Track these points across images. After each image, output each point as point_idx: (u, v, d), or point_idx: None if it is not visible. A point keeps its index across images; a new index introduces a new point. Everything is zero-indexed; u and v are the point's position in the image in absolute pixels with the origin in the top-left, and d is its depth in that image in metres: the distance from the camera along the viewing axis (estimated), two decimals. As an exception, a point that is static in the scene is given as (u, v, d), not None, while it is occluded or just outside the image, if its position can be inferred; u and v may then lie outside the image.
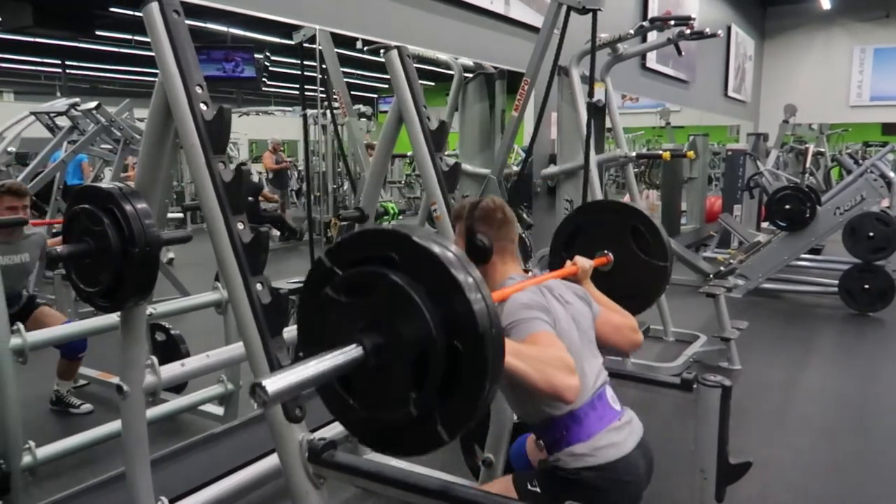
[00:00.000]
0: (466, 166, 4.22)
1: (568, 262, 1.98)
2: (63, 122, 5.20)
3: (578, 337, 1.65)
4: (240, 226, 1.51)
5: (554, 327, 1.54)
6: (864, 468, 3.00)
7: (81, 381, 3.56)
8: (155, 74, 1.57)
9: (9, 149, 4.84)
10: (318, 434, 1.57)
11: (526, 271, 1.80)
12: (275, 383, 0.94)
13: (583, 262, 1.96)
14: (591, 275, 2.00)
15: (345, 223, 3.90)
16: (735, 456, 1.93)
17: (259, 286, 1.51)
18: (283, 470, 1.51)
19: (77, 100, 5.12)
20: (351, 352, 1.04)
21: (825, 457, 3.12)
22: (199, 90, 1.52)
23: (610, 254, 2.19)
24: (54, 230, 4.40)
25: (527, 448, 1.96)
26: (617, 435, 1.61)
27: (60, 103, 5.31)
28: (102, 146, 5.42)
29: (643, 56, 6.70)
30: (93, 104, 4.88)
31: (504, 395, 1.72)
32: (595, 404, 1.62)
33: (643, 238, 2.18)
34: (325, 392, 1.17)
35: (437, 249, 1.05)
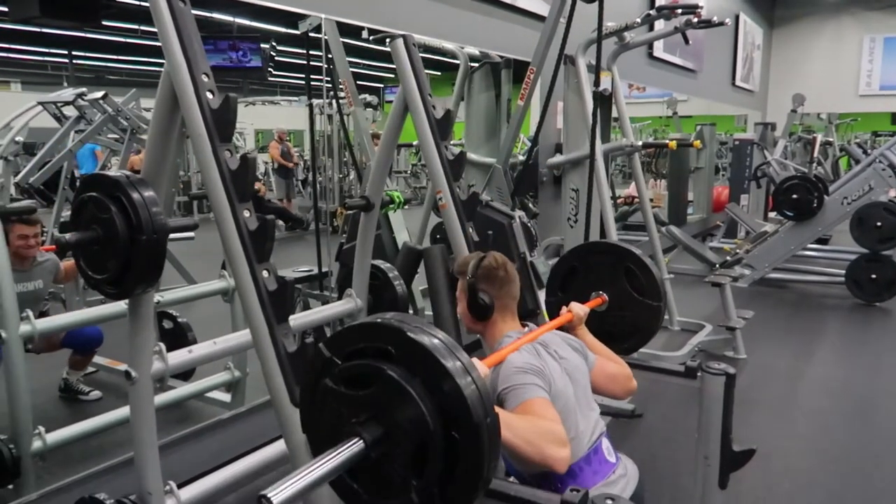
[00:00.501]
0: (472, 156, 4.22)
1: (564, 309, 2.00)
2: (70, 111, 5.21)
3: (574, 392, 1.66)
4: (246, 213, 1.52)
5: (549, 391, 1.55)
6: (868, 457, 3.01)
7: (90, 369, 3.59)
8: (161, 64, 1.58)
9: (16, 138, 4.85)
10: (323, 420, 1.59)
11: (524, 326, 1.81)
12: (280, 494, 0.97)
13: (577, 310, 1.99)
14: (590, 317, 2.03)
15: (350, 212, 3.91)
16: (739, 444, 1.94)
17: (265, 273, 1.53)
18: (289, 455, 1.53)
19: (84, 90, 5.12)
20: (352, 447, 1.07)
21: (829, 445, 3.13)
22: (205, 79, 1.53)
23: (605, 294, 2.24)
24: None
25: None
26: (611, 489, 1.62)
27: (67, 93, 5.31)
28: (109, 136, 5.43)
29: (650, 45, 6.65)
30: (99, 94, 4.89)
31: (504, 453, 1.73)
32: (590, 458, 1.63)
33: (636, 278, 2.23)
34: (335, 481, 1.18)
35: (427, 341, 1.08)
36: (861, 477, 2.83)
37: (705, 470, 1.97)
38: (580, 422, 1.64)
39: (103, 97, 4.79)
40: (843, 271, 5.80)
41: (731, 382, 1.93)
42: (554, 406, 1.52)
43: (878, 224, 5.50)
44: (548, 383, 1.58)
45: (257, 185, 8.63)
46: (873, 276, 5.61)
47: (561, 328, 1.91)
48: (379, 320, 1.14)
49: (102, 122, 4.96)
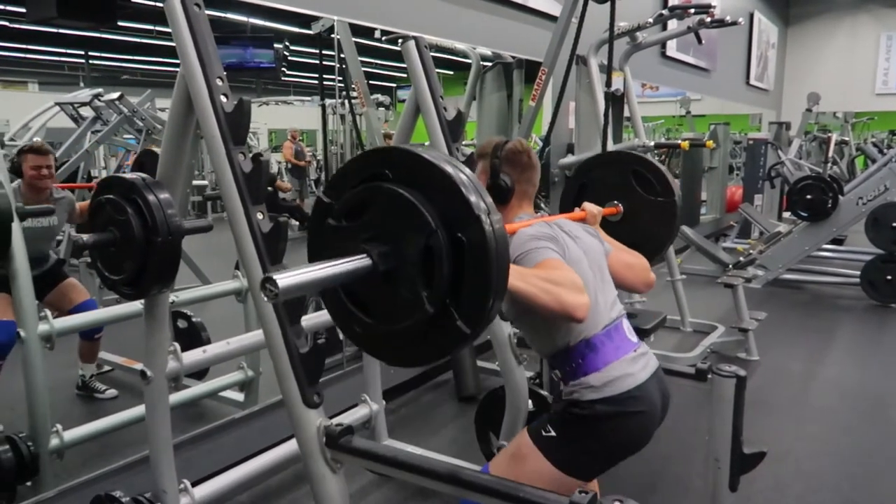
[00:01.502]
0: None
1: (576, 211, 1.98)
2: (87, 112, 5.28)
3: (589, 266, 1.65)
4: (259, 216, 1.54)
5: (563, 256, 1.54)
6: (881, 460, 2.99)
7: (106, 368, 3.64)
8: (176, 65, 1.60)
9: (35, 139, 4.93)
10: (335, 420, 1.60)
11: (537, 211, 1.80)
12: (285, 279, 0.97)
13: (591, 207, 1.96)
14: (606, 227, 1.99)
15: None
16: (751, 446, 1.94)
17: (278, 275, 1.54)
18: (301, 455, 1.55)
19: (100, 90, 5.19)
20: (359, 261, 1.08)
21: (842, 448, 3.11)
22: (219, 82, 1.55)
23: (619, 204, 2.22)
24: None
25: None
26: (632, 366, 1.61)
27: (84, 94, 5.39)
28: (125, 136, 5.50)
29: (663, 44, 6.63)
30: (115, 95, 4.96)
31: (521, 330, 1.72)
32: (611, 334, 1.62)
33: (646, 180, 2.21)
34: (342, 320, 1.20)
35: (424, 154, 1.09)
36: (873, 479, 2.81)
37: (716, 472, 1.97)
38: (598, 294, 1.63)
39: (119, 98, 4.86)
40: (858, 272, 5.75)
41: (742, 385, 1.93)
42: None
43: (894, 225, 5.45)
44: (562, 249, 1.58)
45: (279, 183, 8.69)
46: (889, 277, 5.56)
47: None
48: (369, 150, 1.17)
49: (118, 123, 5.02)
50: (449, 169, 1.08)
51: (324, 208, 1.19)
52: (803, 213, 5.92)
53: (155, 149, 5.15)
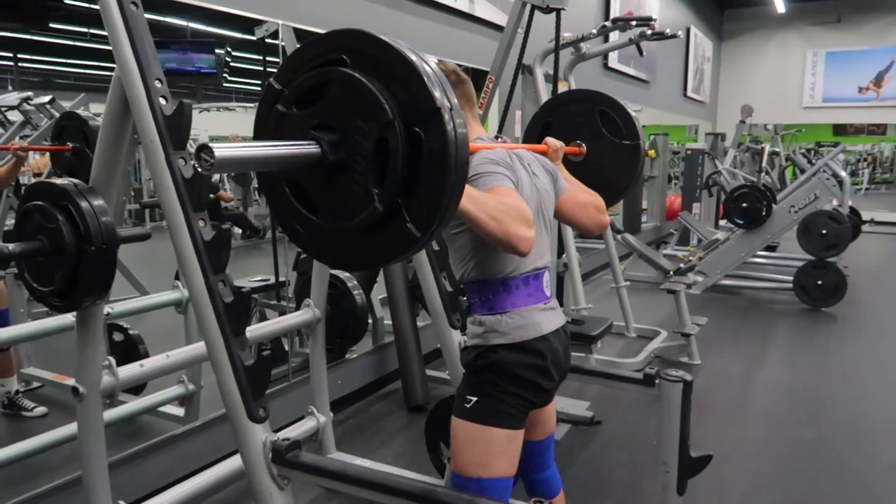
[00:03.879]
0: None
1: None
2: (15, 116, 5.03)
3: (536, 208, 1.63)
4: (201, 223, 1.48)
5: (516, 188, 1.52)
6: (818, 457, 3.09)
7: (35, 384, 3.46)
8: (112, 69, 1.53)
9: (-44, 144, 4.66)
10: (281, 434, 1.55)
11: (497, 136, 1.76)
12: (223, 149, 0.91)
13: (553, 142, 1.91)
14: (566, 167, 1.96)
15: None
16: (696, 449, 1.97)
17: (221, 285, 1.49)
18: (246, 471, 1.49)
19: (30, 94, 4.95)
20: (307, 147, 1.01)
21: (781, 447, 3.20)
22: (157, 84, 1.48)
23: (583, 144, 2.18)
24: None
25: None
26: (539, 315, 1.62)
27: (12, 97, 5.13)
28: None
29: (605, 56, 6.78)
30: (46, 98, 4.73)
31: (450, 247, 1.69)
32: (529, 280, 1.62)
33: (612, 121, 2.17)
34: (283, 217, 1.14)
35: (387, 39, 1.02)
36: (814, 477, 2.91)
37: (664, 477, 1.99)
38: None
39: (50, 102, 4.64)
40: (791, 278, 5.98)
41: (689, 389, 1.96)
42: None
43: (824, 232, 5.69)
44: (517, 181, 1.55)
45: (221, 193, 8.43)
46: (819, 282, 5.80)
47: None
48: (330, 31, 1.08)
49: (49, 129, 4.79)
50: (413, 57, 1.00)
51: (273, 94, 1.10)
52: (739, 221, 6.12)
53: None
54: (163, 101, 1.48)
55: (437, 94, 0.99)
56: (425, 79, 0.99)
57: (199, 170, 0.91)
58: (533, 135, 2.29)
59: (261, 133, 1.16)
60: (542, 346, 1.60)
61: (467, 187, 1.17)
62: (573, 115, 2.23)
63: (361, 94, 1.00)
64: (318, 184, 1.07)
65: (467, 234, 1.57)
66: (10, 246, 1.52)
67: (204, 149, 0.90)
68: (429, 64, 1.02)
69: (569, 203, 1.79)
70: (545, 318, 1.63)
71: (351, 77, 1.02)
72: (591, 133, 2.17)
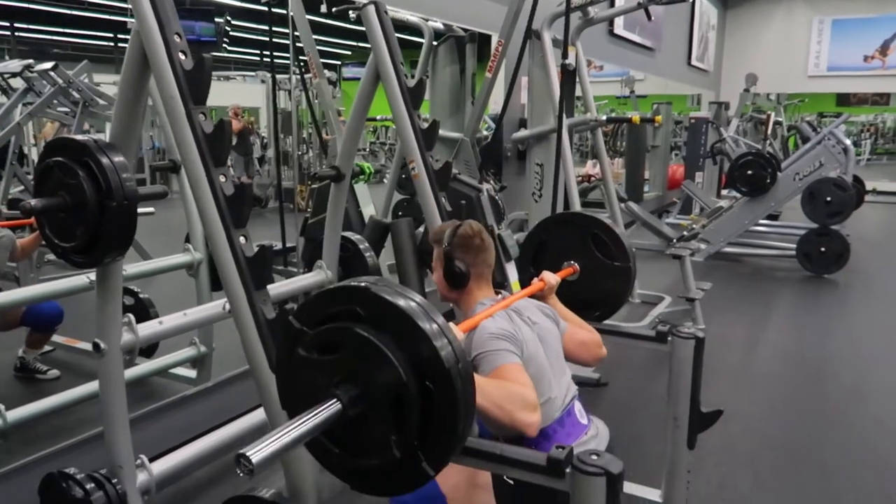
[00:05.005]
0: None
1: (535, 280, 2.01)
2: (18, 83, 4.99)
3: (546, 355, 1.69)
4: (222, 179, 1.49)
5: (521, 355, 1.58)
6: (822, 417, 3.15)
7: (47, 348, 3.49)
8: (107, 38, 1.53)
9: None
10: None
11: (497, 293, 1.83)
12: (258, 454, 0.96)
13: (549, 278, 2.00)
14: (563, 286, 2.05)
15: (317, 185, 3.86)
16: (703, 407, 2.01)
17: (243, 239, 1.50)
18: (268, 422, 1.52)
19: (31, 61, 4.92)
20: (330, 408, 1.07)
21: (785, 407, 3.26)
22: (177, 39, 1.48)
23: (576, 264, 2.27)
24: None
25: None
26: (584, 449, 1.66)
27: (14, 64, 5.09)
28: (59, 109, 5.23)
29: (611, 22, 6.71)
30: (49, 65, 4.70)
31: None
32: (564, 421, 1.66)
33: (604, 244, 2.27)
34: (313, 445, 1.19)
35: (399, 301, 1.08)
36: (814, 436, 2.96)
37: (674, 431, 2.03)
38: (553, 385, 1.67)
39: (53, 68, 4.61)
40: (794, 245, 6.00)
41: (701, 346, 1.99)
42: (527, 371, 1.54)
43: (829, 199, 5.70)
44: (520, 348, 1.61)
45: None
46: (822, 249, 5.82)
47: (533, 297, 1.93)
48: (344, 284, 1.14)
49: (52, 95, 4.77)
50: (426, 326, 1.07)
51: (294, 334, 1.17)
52: (743, 189, 6.12)
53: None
54: (182, 56, 1.48)
55: (444, 353, 1.05)
56: (433, 341, 1.05)
57: (241, 474, 0.96)
58: (528, 255, 2.41)
59: (285, 373, 1.21)
60: None
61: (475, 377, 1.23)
62: (567, 237, 2.33)
63: (375, 354, 1.07)
64: (342, 426, 1.13)
65: None
66: (33, 201, 1.52)
67: (243, 457, 0.95)
68: (436, 322, 1.07)
69: (570, 343, 1.85)
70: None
71: (364, 339, 1.07)
72: (584, 253, 2.28)
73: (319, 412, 1.06)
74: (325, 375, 1.12)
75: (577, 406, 1.74)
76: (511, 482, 1.62)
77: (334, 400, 1.08)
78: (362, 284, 1.11)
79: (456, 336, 1.11)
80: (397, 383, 1.05)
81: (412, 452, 1.09)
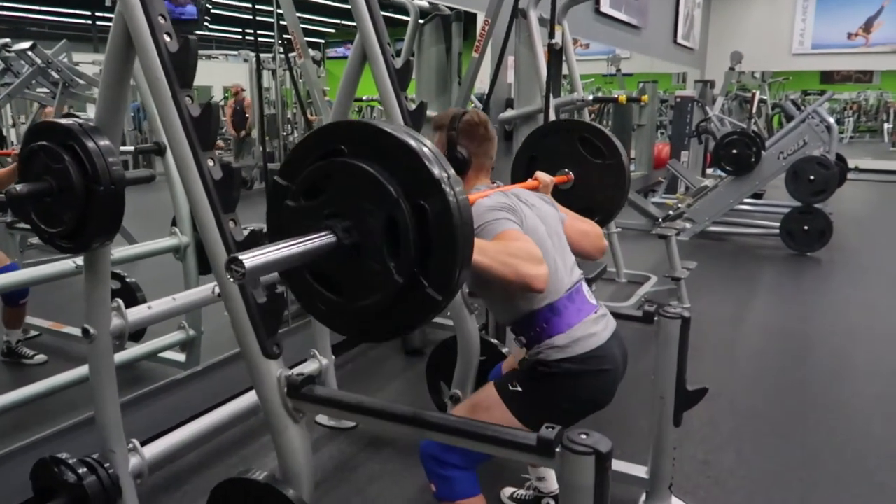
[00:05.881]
0: (424, 110, 4.17)
1: (529, 181, 2.01)
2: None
3: (547, 233, 1.68)
4: (210, 162, 1.48)
5: (521, 226, 1.57)
6: (805, 392, 3.20)
7: (33, 333, 3.47)
8: (88, 17, 1.50)
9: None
10: (294, 371, 1.58)
11: (493, 182, 1.82)
12: (251, 259, 0.96)
13: (543, 177, 1.99)
14: (558, 196, 2.03)
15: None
16: (689, 385, 2.04)
17: (231, 224, 1.49)
18: (261, 406, 1.52)
19: (7, 40, 4.82)
20: (323, 237, 1.07)
21: (769, 384, 3.31)
22: (161, 20, 1.46)
23: (570, 171, 2.26)
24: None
25: (503, 369, 2.00)
26: (594, 326, 1.66)
27: (-10, 44, 4.98)
28: (39, 90, 5.14)
29: (597, 0, 6.67)
30: (27, 45, 4.60)
31: (485, 302, 1.74)
32: (573, 297, 1.66)
33: (592, 145, 2.27)
34: (306, 299, 1.19)
35: (382, 126, 1.09)
36: (799, 411, 3.01)
37: (661, 409, 2.06)
38: (557, 261, 1.66)
39: (32, 48, 4.52)
40: (777, 224, 6.05)
41: (687, 325, 2.02)
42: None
43: (812, 178, 5.75)
44: (520, 219, 1.60)
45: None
46: (805, 227, 5.88)
47: None
48: (322, 126, 1.16)
49: (31, 75, 4.68)
50: (408, 140, 1.08)
51: (280, 191, 1.17)
52: (728, 168, 6.15)
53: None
54: (167, 38, 1.46)
55: (434, 170, 1.06)
56: (422, 158, 1.06)
57: (232, 280, 0.96)
58: (520, 170, 2.38)
59: (275, 229, 1.22)
60: (604, 356, 1.62)
61: (475, 240, 1.22)
62: (556, 146, 2.32)
63: (364, 179, 1.08)
64: (338, 267, 1.14)
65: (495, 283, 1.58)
66: (18, 186, 1.51)
67: (234, 261, 0.95)
68: (425, 144, 1.09)
69: (571, 232, 1.83)
70: (600, 328, 1.66)
71: (352, 166, 1.08)
72: (576, 160, 2.27)
73: (313, 238, 1.07)
74: (315, 218, 1.12)
75: (585, 287, 1.74)
76: (519, 388, 1.62)
77: (327, 231, 1.09)
78: (340, 121, 1.14)
79: (441, 150, 1.12)
80: (390, 204, 1.06)
81: (415, 277, 1.09)
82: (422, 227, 1.07)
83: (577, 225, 1.88)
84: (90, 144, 1.49)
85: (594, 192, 2.27)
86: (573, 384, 1.62)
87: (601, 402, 1.68)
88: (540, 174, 2.00)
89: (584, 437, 1.21)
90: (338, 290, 1.17)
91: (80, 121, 1.53)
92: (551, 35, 3.45)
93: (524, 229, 1.58)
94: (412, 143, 1.08)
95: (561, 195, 2.07)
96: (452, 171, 1.10)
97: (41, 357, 3.26)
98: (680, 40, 10.75)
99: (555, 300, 1.62)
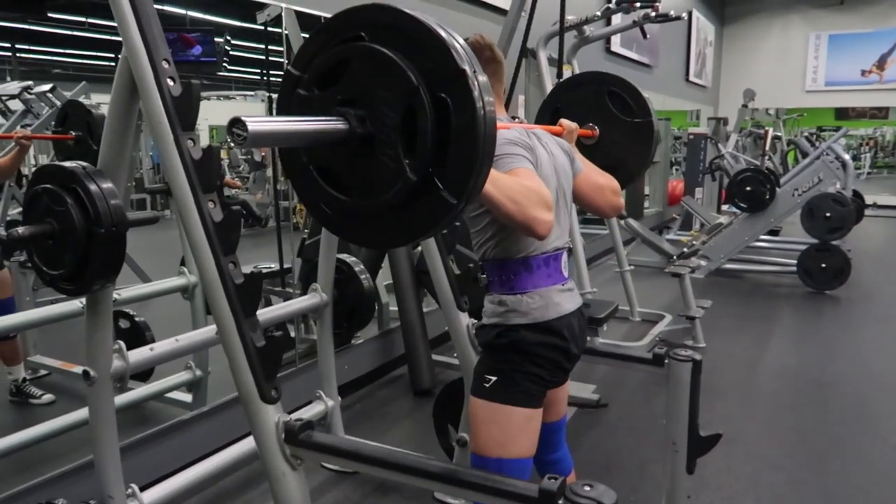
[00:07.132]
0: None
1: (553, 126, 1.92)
2: (16, 105, 5.01)
3: (555, 188, 1.63)
4: (211, 204, 1.47)
5: (536, 169, 1.52)
6: (825, 438, 3.10)
7: (42, 372, 3.46)
8: (109, 59, 1.52)
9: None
10: (294, 416, 1.55)
11: (514, 117, 1.76)
12: (256, 123, 0.91)
13: (568, 124, 1.89)
14: (581, 150, 1.93)
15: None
16: (704, 429, 1.98)
17: (231, 266, 1.48)
18: (259, 452, 1.49)
19: (30, 83, 4.94)
20: (335, 122, 0.99)
21: (788, 428, 3.21)
22: (165, 65, 1.47)
23: (595, 127, 2.15)
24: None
25: None
26: (559, 296, 1.62)
27: (12, 86, 5.11)
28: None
29: (608, 40, 6.74)
30: (47, 87, 4.71)
31: (470, 227, 1.68)
32: (549, 261, 1.63)
33: (622, 101, 2.15)
34: (311, 199, 1.12)
35: (402, 8, 1.01)
36: (819, 459, 2.91)
37: (673, 456, 1.99)
38: (555, 218, 1.60)
39: (51, 90, 4.62)
40: (795, 261, 5.97)
41: (698, 369, 1.96)
42: None
43: (828, 214, 5.68)
44: (536, 161, 1.55)
45: (226, 179, 8.25)
46: (823, 265, 5.79)
47: None
48: (344, 11, 1.07)
49: (50, 117, 4.78)
50: (429, 23, 0.99)
51: (292, 81, 1.08)
52: (743, 205, 6.10)
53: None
54: (170, 82, 1.47)
55: (457, 55, 0.98)
56: (446, 43, 0.98)
57: (232, 144, 0.91)
58: (543, 121, 2.24)
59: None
60: (562, 325, 1.61)
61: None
62: (583, 99, 2.19)
63: (383, 64, 0.99)
64: (347, 162, 1.06)
65: (489, 215, 1.56)
66: (20, 229, 1.51)
67: (237, 122, 0.90)
68: (447, 30, 1.01)
69: (585, 185, 1.77)
70: (564, 299, 1.64)
71: (371, 49, 1.00)
72: (603, 115, 2.14)
73: (324, 121, 0.99)
74: (328, 107, 1.04)
75: (565, 257, 1.69)
76: (493, 378, 1.58)
77: (339, 118, 1.01)
78: (367, 6, 1.04)
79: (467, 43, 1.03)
80: (408, 92, 0.97)
81: (429, 178, 1.00)
82: (441, 123, 0.98)
83: (593, 178, 1.80)
84: (92, 187, 1.49)
85: (618, 152, 2.12)
86: (533, 349, 1.58)
87: (564, 364, 1.66)
88: (564, 121, 1.89)
89: (587, 488, 1.16)
90: (345, 189, 1.09)
91: (84, 164, 1.54)
92: (559, 75, 3.47)
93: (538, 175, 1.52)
94: (436, 28, 0.98)
95: (583, 150, 1.94)
96: (476, 61, 1.01)
97: (49, 396, 3.25)
98: (692, 78, 10.82)
99: (531, 256, 1.59)
